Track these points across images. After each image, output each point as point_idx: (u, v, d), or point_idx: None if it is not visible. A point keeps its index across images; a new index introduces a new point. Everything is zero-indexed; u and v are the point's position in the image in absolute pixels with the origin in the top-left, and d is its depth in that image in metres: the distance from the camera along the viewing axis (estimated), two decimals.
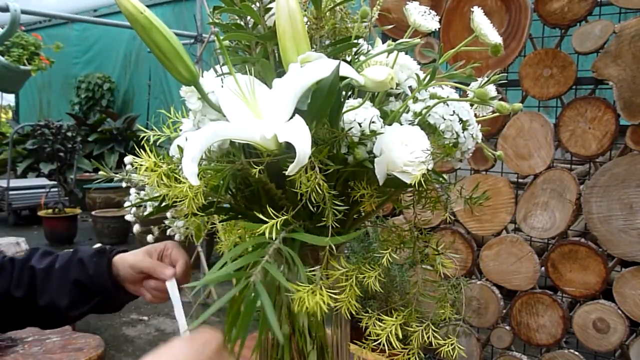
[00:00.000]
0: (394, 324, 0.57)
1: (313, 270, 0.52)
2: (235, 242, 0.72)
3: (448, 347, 0.58)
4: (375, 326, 0.58)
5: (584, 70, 1.52)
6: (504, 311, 1.70)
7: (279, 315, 0.64)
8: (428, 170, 0.52)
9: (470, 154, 0.59)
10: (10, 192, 5.33)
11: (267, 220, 0.50)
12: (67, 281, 0.76)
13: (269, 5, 0.61)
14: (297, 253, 0.56)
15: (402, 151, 0.52)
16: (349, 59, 0.62)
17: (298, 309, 0.50)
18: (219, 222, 0.72)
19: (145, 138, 0.63)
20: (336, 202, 0.51)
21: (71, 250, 0.81)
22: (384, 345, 0.56)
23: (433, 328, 0.58)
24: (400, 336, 0.57)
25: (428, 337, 0.58)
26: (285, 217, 0.50)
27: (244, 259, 0.50)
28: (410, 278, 1.72)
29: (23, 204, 5.56)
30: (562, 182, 1.53)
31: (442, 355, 0.58)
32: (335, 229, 0.53)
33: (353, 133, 0.53)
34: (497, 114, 0.56)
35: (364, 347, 0.61)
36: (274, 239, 0.50)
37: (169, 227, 0.74)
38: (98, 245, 0.88)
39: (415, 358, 0.58)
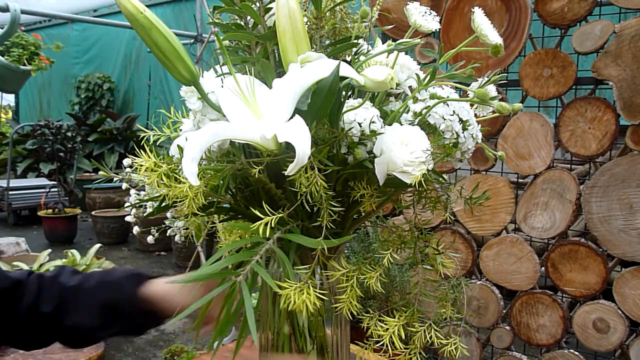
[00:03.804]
0: (396, 325, 0.57)
1: (306, 269, 0.52)
2: (234, 241, 0.72)
3: (451, 346, 0.58)
4: (377, 327, 0.58)
5: (584, 70, 1.52)
6: (504, 311, 1.70)
7: (279, 315, 0.64)
8: (428, 170, 0.52)
9: (470, 154, 0.59)
10: (10, 192, 5.33)
11: (263, 218, 0.50)
12: (96, 303, 0.74)
13: (269, 5, 0.61)
14: (294, 252, 0.56)
15: (402, 151, 0.52)
16: (349, 59, 0.62)
17: (283, 306, 0.50)
18: (219, 222, 0.72)
19: (145, 138, 0.63)
20: (332, 203, 0.51)
21: (101, 270, 0.77)
22: (386, 345, 0.56)
23: (435, 328, 0.58)
24: (403, 337, 0.57)
25: (430, 337, 0.58)
26: (280, 215, 0.50)
27: (233, 258, 0.50)
28: (411, 278, 1.72)
29: (23, 204, 5.56)
30: (562, 182, 1.53)
31: (444, 354, 0.58)
32: (335, 229, 0.53)
33: (353, 133, 0.53)
34: (497, 114, 0.56)
35: (366, 348, 0.61)
36: (268, 238, 0.50)
37: (169, 227, 0.74)
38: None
39: (417, 358, 0.58)
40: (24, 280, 0.74)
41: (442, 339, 0.58)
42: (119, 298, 0.74)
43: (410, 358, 0.58)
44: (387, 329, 0.57)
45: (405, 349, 0.57)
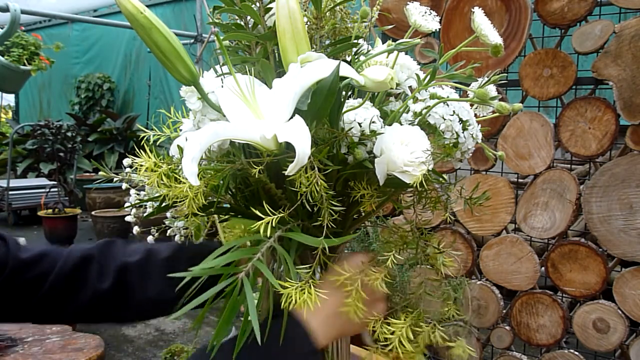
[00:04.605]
0: (403, 327, 0.57)
1: (308, 269, 0.52)
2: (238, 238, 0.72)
3: (458, 349, 0.58)
4: (382, 329, 0.58)
5: (584, 70, 1.52)
6: (504, 311, 1.70)
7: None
8: (428, 170, 0.52)
9: (470, 154, 0.59)
10: (10, 192, 5.33)
11: (263, 218, 0.50)
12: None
13: (269, 5, 0.61)
14: (295, 252, 0.56)
15: (402, 151, 0.52)
16: (349, 59, 0.62)
17: (285, 305, 0.50)
18: (219, 222, 0.72)
19: (145, 138, 0.63)
20: (333, 203, 0.51)
21: (168, 243, 0.76)
22: (395, 347, 0.56)
23: (440, 328, 0.58)
24: (412, 338, 0.57)
25: (435, 337, 0.58)
26: (280, 215, 0.50)
27: (234, 254, 0.50)
28: (414, 279, 1.72)
29: (23, 204, 5.56)
30: (562, 182, 1.53)
31: (450, 356, 0.58)
32: (335, 229, 0.53)
33: (353, 133, 0.53)
34: (497, 114, 0.56)
35: (374, 351, 0.61)
36: (269, 236, 0.50)
37: (169, 227, 0.74)
38: None
39: (421, 358, 0.59)
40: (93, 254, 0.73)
41: (448, 340, 0.58)
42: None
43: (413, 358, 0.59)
44: (394, 331, 0.57)
45: (413, 350, 0.57)
